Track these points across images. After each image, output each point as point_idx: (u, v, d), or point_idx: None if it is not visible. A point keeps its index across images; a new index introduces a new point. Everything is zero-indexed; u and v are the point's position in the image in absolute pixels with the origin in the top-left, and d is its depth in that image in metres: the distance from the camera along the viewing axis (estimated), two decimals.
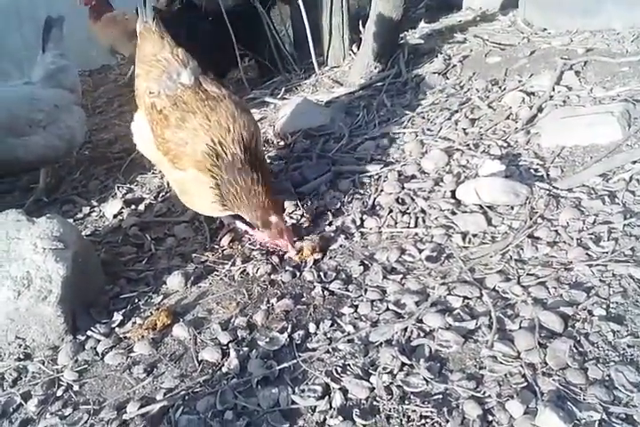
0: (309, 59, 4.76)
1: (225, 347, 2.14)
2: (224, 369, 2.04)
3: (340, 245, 2.58)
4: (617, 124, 2.79)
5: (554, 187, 2.59)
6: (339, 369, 1.92)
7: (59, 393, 2.11)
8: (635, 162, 2.59)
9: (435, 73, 4.03)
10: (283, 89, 4.47)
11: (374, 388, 1.82)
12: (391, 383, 1.83)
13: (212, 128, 2.43)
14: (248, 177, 2.41)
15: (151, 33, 2.59)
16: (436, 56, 4.22)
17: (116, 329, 2.36)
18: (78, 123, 3.63)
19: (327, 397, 1.83)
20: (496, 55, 4.05)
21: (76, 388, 2.12)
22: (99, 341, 2.30)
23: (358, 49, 4.51)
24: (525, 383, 1.73)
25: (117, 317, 2.40)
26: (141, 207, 3.25)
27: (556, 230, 2.35)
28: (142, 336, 2.27)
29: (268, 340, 2.11)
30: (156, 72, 2.57)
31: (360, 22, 4.58)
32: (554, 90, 3.38)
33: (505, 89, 3.59)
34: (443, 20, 5.23)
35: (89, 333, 2.34)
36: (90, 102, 5.39)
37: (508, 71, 3.80)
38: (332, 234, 2.66)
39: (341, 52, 4.72)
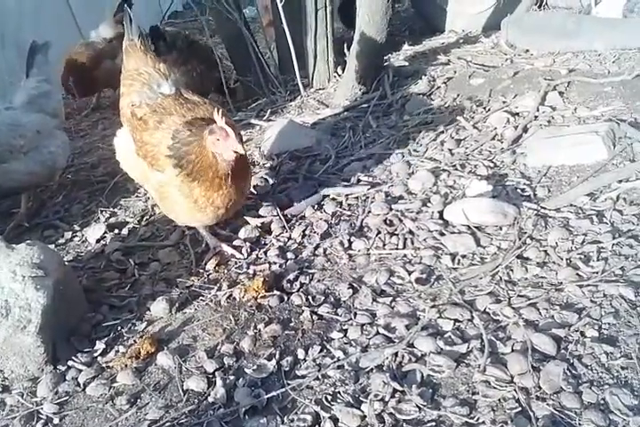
0: (294, 81, 4.78)
1: (211, 375, 2.08)
2: (210, 399, 1.97)
3: (328, 268, 2.54)
4: (602, 144, 2.80)
5: (541, 207, 2.58)
6: (329, 397, 1.87)
7: None
8: (621, 181, 2.60)
9: (419, 94, 4.05)
10: (268, 111, 4.47)
11: (365, 416, 1.78)
12: (383, 411, 1.78)
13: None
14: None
15: (135, 49, 2.64)
16: (421, 78, 4.25)
17: (99, 358, 2.28)
18: (61, 148, 3.58)
19: (317, 426, 1.78)
20: (480, 76, 4.08)
21: (56, 421, 2.04)
22: (80, 371, 2.22)
23: (343, 71, 4.54)
24: (520, 408, 1.69)
25: (100, 345, 2.33)
26: (125, 231, 3.18)
27: (546, 251, 2.33)
28: (125, 365, 2.20)
29: (255, 367, 2.05)
30: (137, 85, 2.60)
31: (345, 46, 4.62)
32: (538, 110, 3.40)
33: (489, 110, 3.61)
34: (426, 43, 5.29)
35: (70, 363, 2.26)
36: (73, 126, 5.34)
37: (493, 92, 3.82)
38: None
39: (326, 74, 4.74)
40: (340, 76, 4.64)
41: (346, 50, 4.56)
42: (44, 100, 3.67)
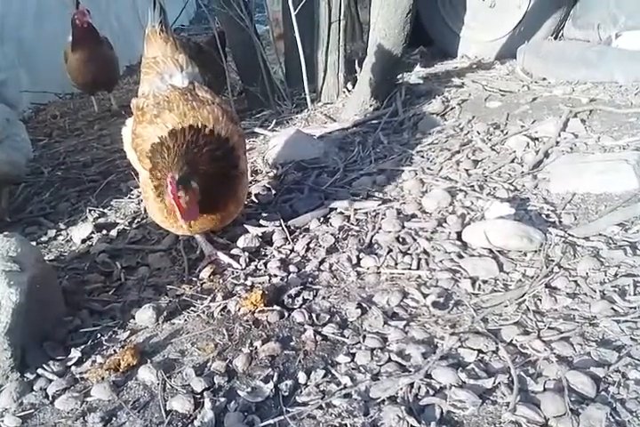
0: (301, 95, 4.64)
1: (198, 396, 1.82)
2: (196, 422, 1.72)
3: (334, 285, 2.32)
4: (633, 173, 2.64)
5: (569, 234, 2.39)
6: None
7: None
8: None
9: (433, 114, 3.90)
10: (273, 121, 4.29)
11: None
12: None
13: (183, 123, 2.22)
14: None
15: (156, 36, 2.51)
16: (434, 98, 4.10)
17: (72, 368, 2.02)
18: (26, 139, 3.43)
19: None
20: (496, 100, 3.95)
21: None
22: (50, 381, 1.96)
23: (353, 87, 4.39)
24: None
25: (75, 353, 2.07)
26: (113, 233, 2.95)
27: (576, 281, 2.13)
28: (102, 378, 1.94)
29: (249, 390, 1.81)
30: (152, 74, 2.45)
31: (356, 62, 4.48)
32: (560, 136, 3.25)
33: (507, 133, 3.46)
34: (438, 66, 5.18)
35: (39, 371, 2.00)
36: (67, 124, 5.14)
37: (510, 116, 3.68)
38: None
39: (336, 88, 4.59)
40: (349, 91, 4.50)
41: (357, 66, 4.43)
42: (3, 90, 3.53)
